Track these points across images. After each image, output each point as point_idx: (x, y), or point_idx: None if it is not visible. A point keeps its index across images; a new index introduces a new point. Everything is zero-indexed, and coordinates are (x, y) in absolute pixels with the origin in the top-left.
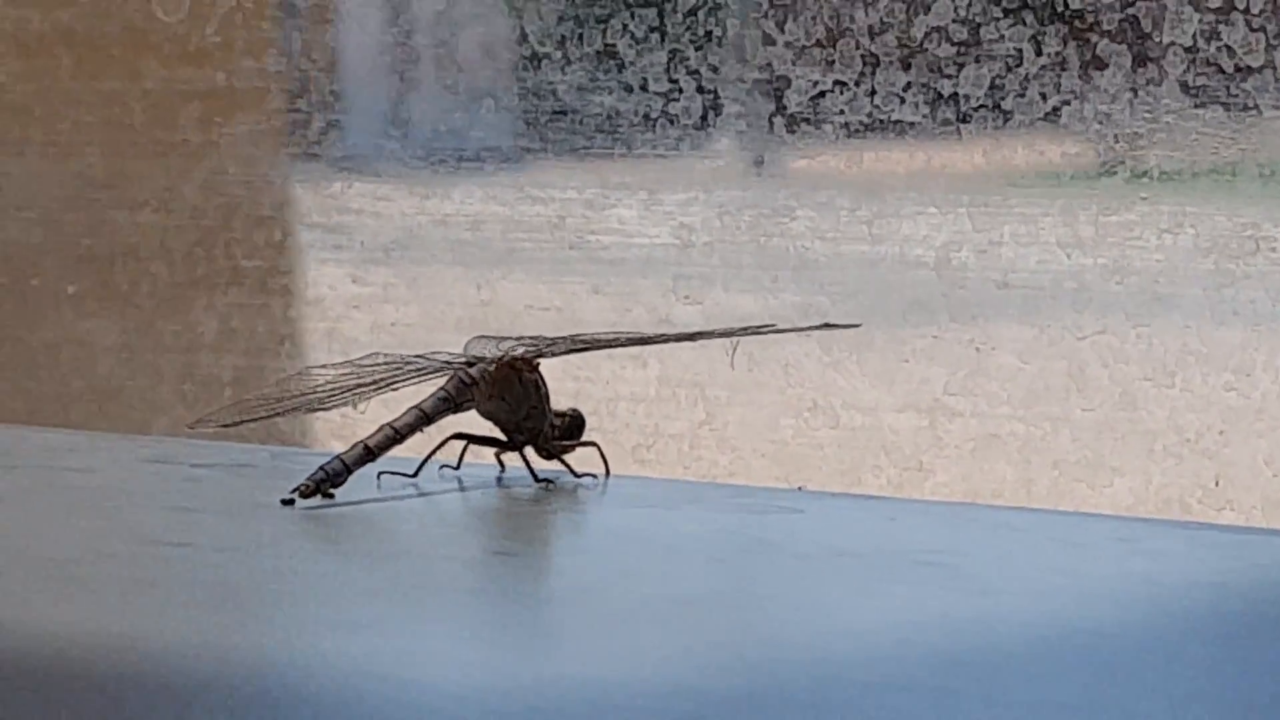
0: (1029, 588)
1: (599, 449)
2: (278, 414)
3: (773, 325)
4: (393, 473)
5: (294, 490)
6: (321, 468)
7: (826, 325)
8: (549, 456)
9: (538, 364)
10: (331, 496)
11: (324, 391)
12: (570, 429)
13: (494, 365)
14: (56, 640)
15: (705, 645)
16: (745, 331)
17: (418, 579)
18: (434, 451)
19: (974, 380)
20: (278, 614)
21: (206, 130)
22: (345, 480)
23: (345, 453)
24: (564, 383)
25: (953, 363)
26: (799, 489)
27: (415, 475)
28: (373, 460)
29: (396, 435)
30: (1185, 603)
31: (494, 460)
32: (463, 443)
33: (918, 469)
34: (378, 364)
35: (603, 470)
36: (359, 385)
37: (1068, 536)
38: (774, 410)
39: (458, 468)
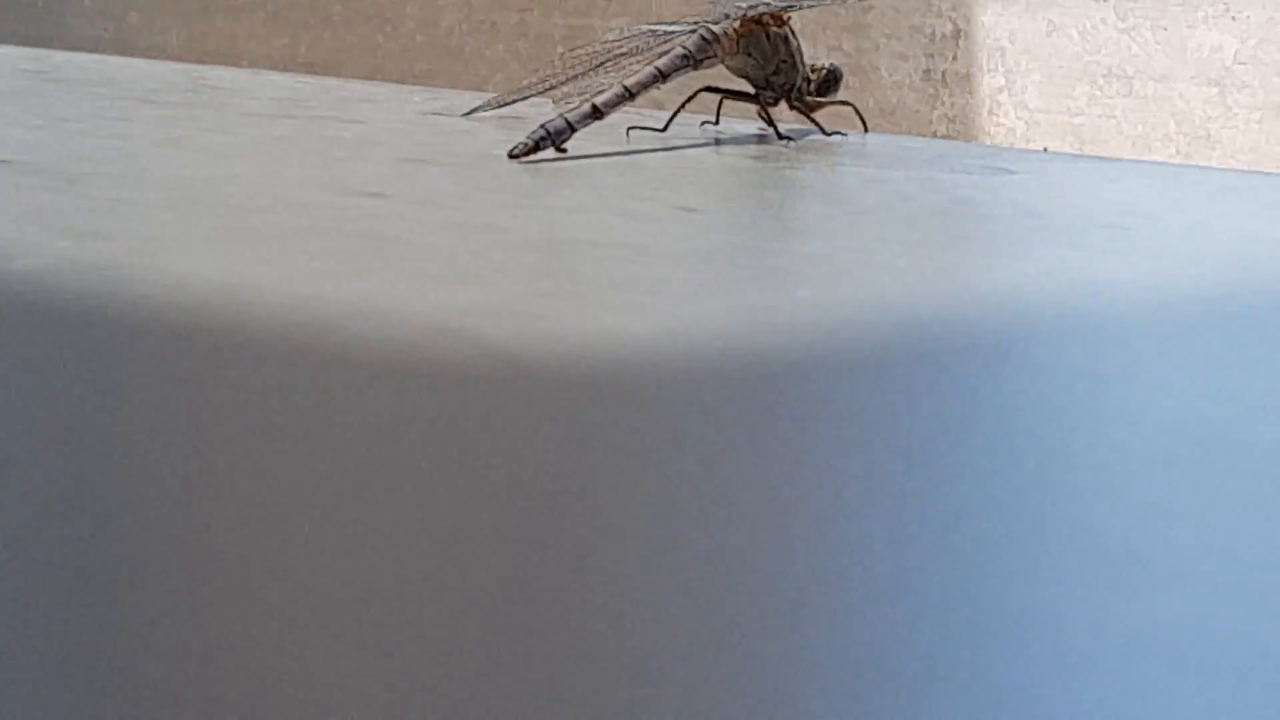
0: (1201, 252)
1: (855, 108)
2: (537, 94)
3: None
4: (641, 128)
5: (514, 147)
6: (543, 125)
7: None
8: (803, 111)
9: (788, 18)
10: (564, 151)
11: (583, 66)
12: (825, 84)
13: (738, 21)
14: (191, 285)
15: (821, 303)
16: None
17: (574, 232)
18: (682, 106)
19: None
20: (411, 265)
21: None
22: (569, 137)
23: (570, 110)
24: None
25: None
26: (1044, 150)
27: (664, 129)
28: (599, 118)
29: (627, 93)
30: None
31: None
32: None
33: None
34: (628, 36)
35: (860, 128)
36: (618, 55)
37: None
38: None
39: (716, 123)
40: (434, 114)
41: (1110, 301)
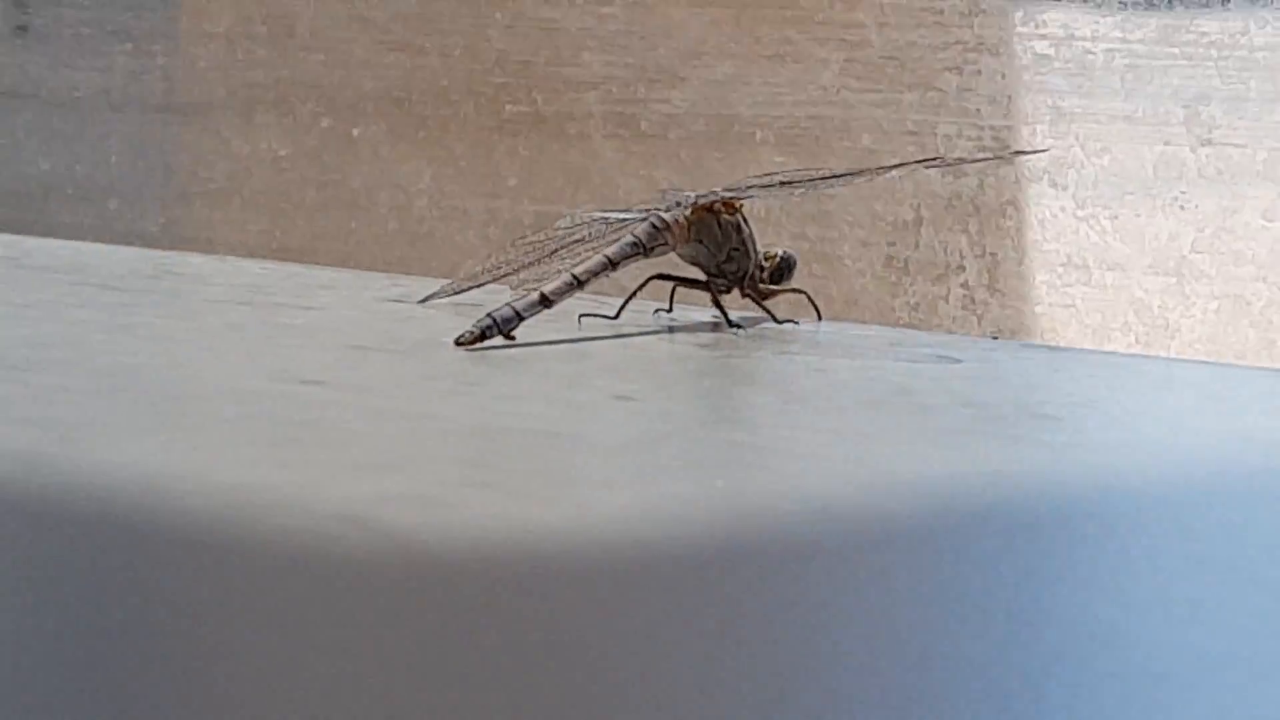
0: (1129, 444)
1: (808, 296)
2: (491, 281)
3: (941, 157)
4: (594, 315)
5: (460, 335)
6: (490, 314)
7: (1017, 153)
8: (755, 299)
9: (739, 206)
10: (513, 339)
11: (538, 253)
12: (778, 271)
13: (689, 209)
14: (112, 474)
15: (738, 492)
16: (924, 163)
17: (505, 420)
18: (634, 294)
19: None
20: (335, 454)
21: None
22: (516, 325)
23: (518, 299)
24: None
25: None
26: (993, 337)
27: (616, 317)
28: (548, 307)
29: (575, 281)
30: None
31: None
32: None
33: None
34: (580, 224)
35: (814, 316)
36: (565, 245)
37: (1223, 391)
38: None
39: (670, 310)
40: (391, 301)
41: (1027, 494)
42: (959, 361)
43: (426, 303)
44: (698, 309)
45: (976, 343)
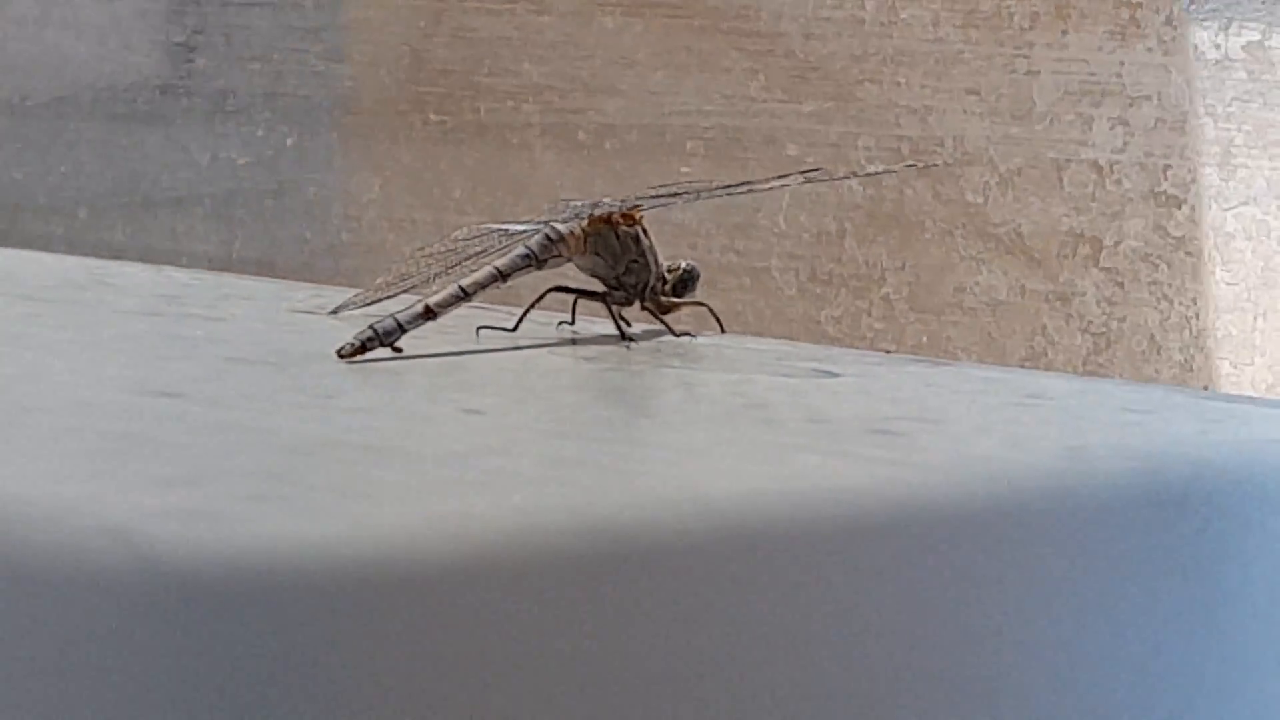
0: (956, 460)
1: (710, 309)
2: (403, 292)
3: (823, 168)
4: (491, 327)
5: (341, 347)
6: (371, 325)
7: (911, 165)
8: (657, 312)
9: (640, 217)
10: (399, 350)
11: (442, 264)
12: (680, 284)
13: (585, 220)
14: None
15: (535, 509)
16: (805, 175)
17: (340, 434)
18: (531, 306)
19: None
20: (140, 467)
21: None
22: (399, 337)
23: (402, 311)
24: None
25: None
26: (887, 352)
27: (514, 329)
28: (433, 319)
29: (463, 293)
30: (1124, 473)
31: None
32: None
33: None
34: (478, 235)
35: (716, 329)
36: (468, 257)
37: (1083, 406)
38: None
39: (573, 323)
40: (303, 312)
41: (829, 510)
42: (836, 376)
43: (337, 314)
44: (603, 322)
45: (865, 356)
